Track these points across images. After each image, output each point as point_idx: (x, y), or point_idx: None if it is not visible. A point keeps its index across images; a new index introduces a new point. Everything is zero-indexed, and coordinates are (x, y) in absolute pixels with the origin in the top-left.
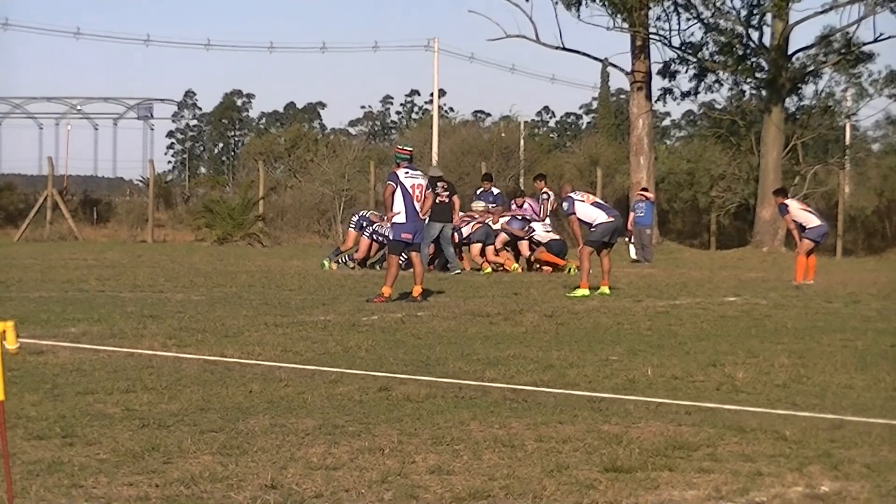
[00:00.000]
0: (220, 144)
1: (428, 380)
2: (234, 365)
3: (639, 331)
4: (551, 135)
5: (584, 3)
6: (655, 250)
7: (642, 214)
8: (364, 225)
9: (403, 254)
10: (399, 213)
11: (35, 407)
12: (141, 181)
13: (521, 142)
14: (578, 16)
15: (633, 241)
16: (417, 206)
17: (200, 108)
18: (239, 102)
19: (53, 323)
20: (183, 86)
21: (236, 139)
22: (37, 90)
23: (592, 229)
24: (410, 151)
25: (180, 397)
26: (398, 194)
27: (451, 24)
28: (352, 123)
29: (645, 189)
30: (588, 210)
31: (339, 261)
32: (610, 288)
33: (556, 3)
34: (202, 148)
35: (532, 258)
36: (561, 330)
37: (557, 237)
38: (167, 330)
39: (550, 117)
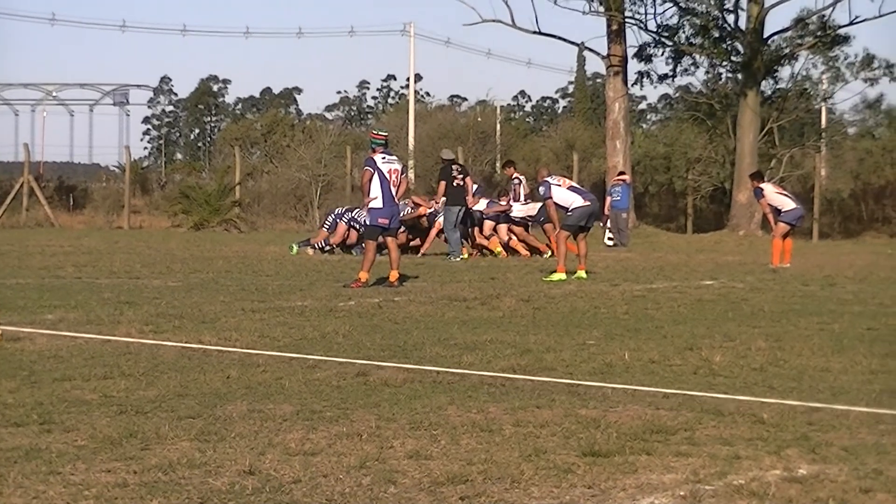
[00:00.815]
0: (196, 130)
1: (407, 366)
2: (211, 351)
3: (616, 315)
4: (527, 119)
5: None
6: (632, 234)
7: (619, 198)
8: (337, 221)
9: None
10: (376, 199)
11: (12, 394)
12: (117, 167)
13: (498, 126)
14: (555, 1)
15: (608, 225)
16: (394, 190)
17: (176, 94)
18: (215, 88)
19: (30, 310)
20: (159, 72)
21: (212, 125)
22: (12, 76)
23: (569, 213)
24: (385, 136)
25: (158, 383)
26: (375, 179)
27: (427, 9)
28: (328, 108)
29: (622, 173)
30: (564, 194)
31: (316, 245)
32: (587, 272)
33: None
34: (178, 134)
35: (512, 242)
36: (538, 314)
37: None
38: (144, 316)
39: (527, 101)
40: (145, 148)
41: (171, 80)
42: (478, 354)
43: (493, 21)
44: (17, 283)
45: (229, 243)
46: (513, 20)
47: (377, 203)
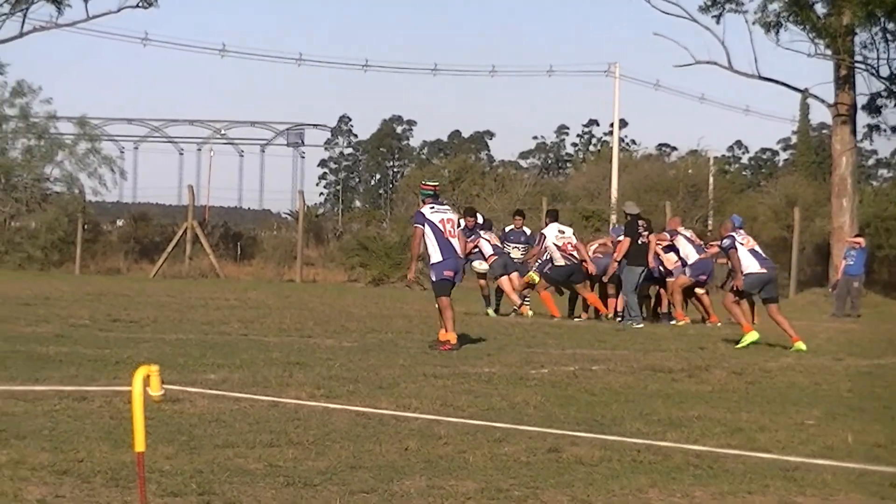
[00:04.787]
0: (377, 175)
1: (602, 438)
2: (388, 419)
3: (838, 392)
4: (744, 172)
5: (783, 26)
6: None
7: (853, 263)
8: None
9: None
10: (434, 253)
11: (170, 460)
12: (289, 214)
13: (711, 179)
14: (777, 40)
15: (836, 292)
16: (453, 241)
17: (356, 136)
18: (398, 129)
19: (191, 368)
20: (337, 110)
21: (395, 170)
22: (177, 112)
23: (742, 277)
24: (435, 187)
25: (328, 453)
26: (429, 234)
27: (633, 48)
28: (523, 155)
29: (859, 235)
30: (743, 256)
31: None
32: (805, 344)
33: (753, 25)
34: (357, 179)
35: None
36: (751, 389)
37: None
38: (315, 379)
39: (743, 153)
40: (321, 193)
41: (350, 119)
42: (683, 432)
43: (708, 63)
44: (177, 338)
45: (410, 301)
46: (729, 62)
47: (437, 257)
